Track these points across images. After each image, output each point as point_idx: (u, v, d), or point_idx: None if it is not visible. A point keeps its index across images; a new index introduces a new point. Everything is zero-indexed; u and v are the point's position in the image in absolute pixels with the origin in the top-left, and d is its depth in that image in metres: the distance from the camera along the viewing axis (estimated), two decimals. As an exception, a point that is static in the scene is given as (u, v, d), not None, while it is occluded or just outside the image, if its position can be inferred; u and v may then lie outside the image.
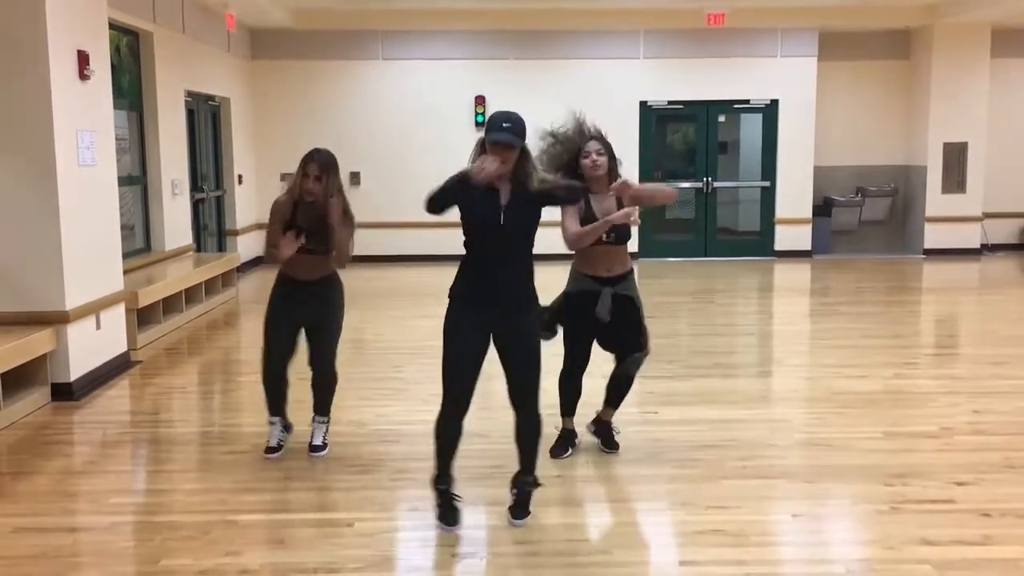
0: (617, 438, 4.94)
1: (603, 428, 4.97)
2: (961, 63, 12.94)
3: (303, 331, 4.86)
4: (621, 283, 4.66)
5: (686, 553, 3.74)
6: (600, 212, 4.49)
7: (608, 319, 4.58)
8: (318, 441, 4.94)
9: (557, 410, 4.83)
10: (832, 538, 3.98)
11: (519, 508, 4.00)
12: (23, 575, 3.59)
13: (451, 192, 3.77)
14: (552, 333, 4.69)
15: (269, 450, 4.90)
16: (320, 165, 4.62)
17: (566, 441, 4.89)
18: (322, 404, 4.97)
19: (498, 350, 3.93)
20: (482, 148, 3.78)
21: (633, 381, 4.84)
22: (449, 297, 3.93)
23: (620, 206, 4.50)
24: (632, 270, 4.75)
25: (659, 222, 13.44)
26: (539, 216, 3.86)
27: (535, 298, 3.94)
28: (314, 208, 4.64)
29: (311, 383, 4.94)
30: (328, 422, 5.00)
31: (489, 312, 3.84)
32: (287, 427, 5.03)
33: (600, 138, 4.60)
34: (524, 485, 4.03)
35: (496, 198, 3.77)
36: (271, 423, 4.96)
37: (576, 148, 4.56)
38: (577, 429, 4.94)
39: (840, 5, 12.39)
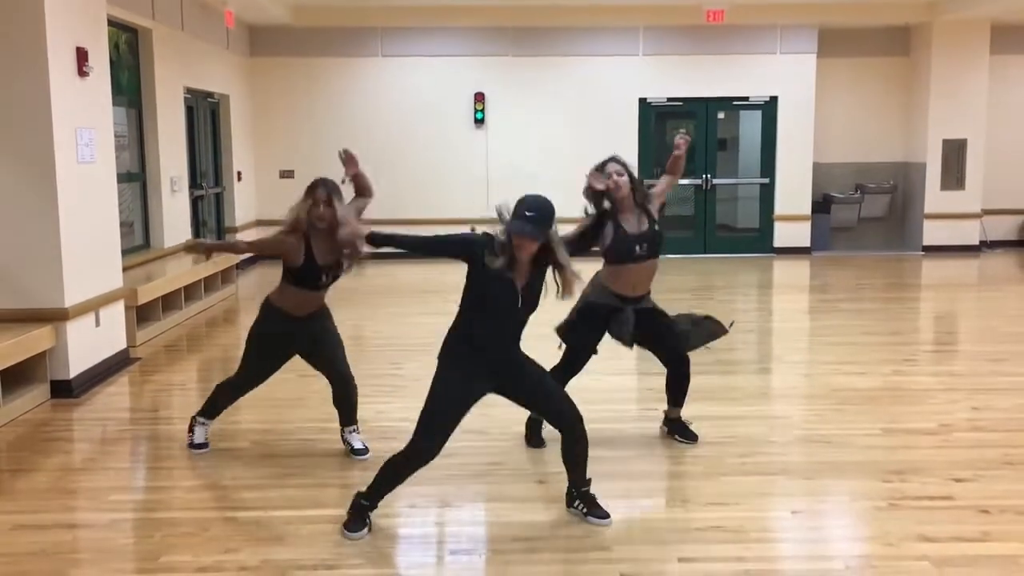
0: (665, 429, 5.09)
1: (676, 425, 5.05)
2: (960, 60, 12.94)
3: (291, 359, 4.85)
4: (641, 301, 4.76)
5: (686, 549, 3.74)
6: (633, 233, 4.63)
7: (628, 336, 4.70)
8: (360, 445, 4.89)
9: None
10: (831, 534, 3.99)
11: (595, 510, 3.99)
12: (23, 572, 3.59)
13: (460, 248, 3.80)
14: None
15: (199, 446, 4.94)
16: (328, 190, 4.52)
17: (535, 432, 4.97)
18: (350, 415, 4.92)
19: (510, 397, 3.98)
20: (508, 237, 3.62)
21: (689, 377, 4.96)
22: (448, 353, 3.84)
23: (651, 222, 4.67)
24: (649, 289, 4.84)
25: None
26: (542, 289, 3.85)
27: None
28: (328, 239, 4.49)
29: (335, 400, 4.87)
30: (357, 428, 4.96)
31: (491, 373, 3.83)
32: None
33: (618, 160, 4.68)
34: (584, 496, 4.02)
35: (512, 284, 3.69)
36: (202, 423, 4.97)
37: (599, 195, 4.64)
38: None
39: (839, 2, 12.38)
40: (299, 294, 4.63)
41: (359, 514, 3.88)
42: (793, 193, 13.24)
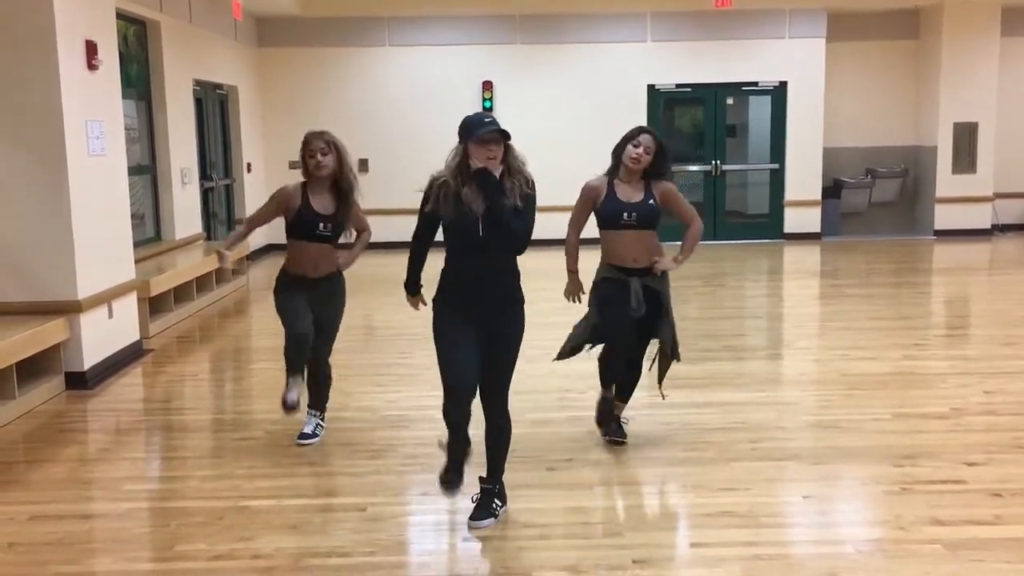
0: (626, 427, 4.87)
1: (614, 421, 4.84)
2: (971, 42, 12.85)
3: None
4: (645, 276, 4.56)
5: (697, 535, 3.75)
6: (623, 200, 4.50)
7: (642, 312, 4.51)
8: (308, 430, 4.90)
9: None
10: (842, 519, 4.00)
11: (478, 510, 3.86)
12: (40, 561, 3.63)
13: (428, 217, 3.72)
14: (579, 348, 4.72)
15: (290, 406, 4.73)
16: (324, 140, 4.61)
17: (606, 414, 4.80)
18: (320, 399, 4.99)
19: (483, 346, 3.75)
20: (464, 153, 3.61)
21: (640, 376, 4.81)
22: (434, 303, 3.78)
23: (647, 196, 4.50)
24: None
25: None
26: (523, 221, 3.67)
27: (521, 299, 3.77)
28: (328, 190, 4.67)
29: (308, 378, 4.91)
30: (319, 416, 4.99)
31: (476, 309, 3.70)
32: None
33: (654, 134, 4.53)
34: (486, 492, 3.89)
35: (471, 209, 3.61)
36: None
37: (628, 136, 4.54)
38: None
39: (849, -15, 12.31)
40: (296, 247, 4.69)
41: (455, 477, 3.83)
42: (803, 178, 13.19)
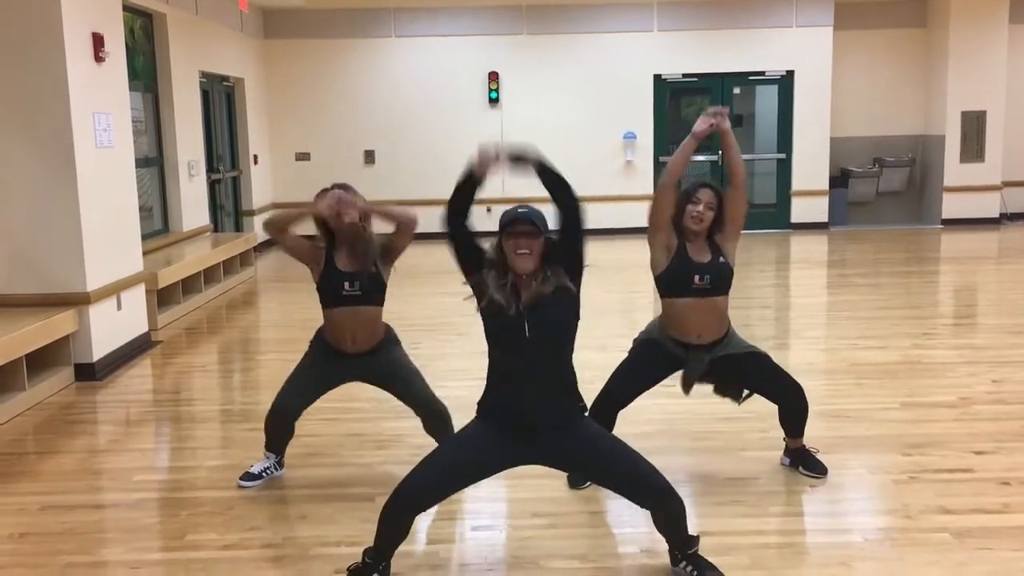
0: (787, 460, 4.38)
1: (799, 455, 4.32)
2: (979, 30, 12.78)
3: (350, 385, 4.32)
4: (717, 347, 4.04)
5: (705, 524, 3.75)
6: (695, 260, 3.96)
7: (701, 371, 4.05)
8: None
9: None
10: (850, 508, 3.99)
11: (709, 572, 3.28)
12: (52, 551, 3.66)
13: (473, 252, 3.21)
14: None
15: (248, 476, 4.27)
16: (345, 187, 4.10)
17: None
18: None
19: (560, 468, 3.43)
20: (500, 249, 3.12)
21: (807, 406, 4.25)
22: (476, 411, 3.33)
23: (716, 254, 3.99)
24: (729, 330, 4.11)
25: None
26: (575, 314, 3.16)
27: (578, 413, 3.27)
28: (354, 240, 4.10)
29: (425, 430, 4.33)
30: None
31: (521, 440, 3.20)
32: (279, 464, 4.36)
33: (715, 188, 4.00)
34: (692, 556, 3.30)
35: (515, 302, 3.08)
36: (267, 456, 4.32)
37: (687, 192, 4.01)
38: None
39: (856, -27, 12.24)
40: (328, 316, 4.14)
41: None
42: (810, 168, 13.16)
